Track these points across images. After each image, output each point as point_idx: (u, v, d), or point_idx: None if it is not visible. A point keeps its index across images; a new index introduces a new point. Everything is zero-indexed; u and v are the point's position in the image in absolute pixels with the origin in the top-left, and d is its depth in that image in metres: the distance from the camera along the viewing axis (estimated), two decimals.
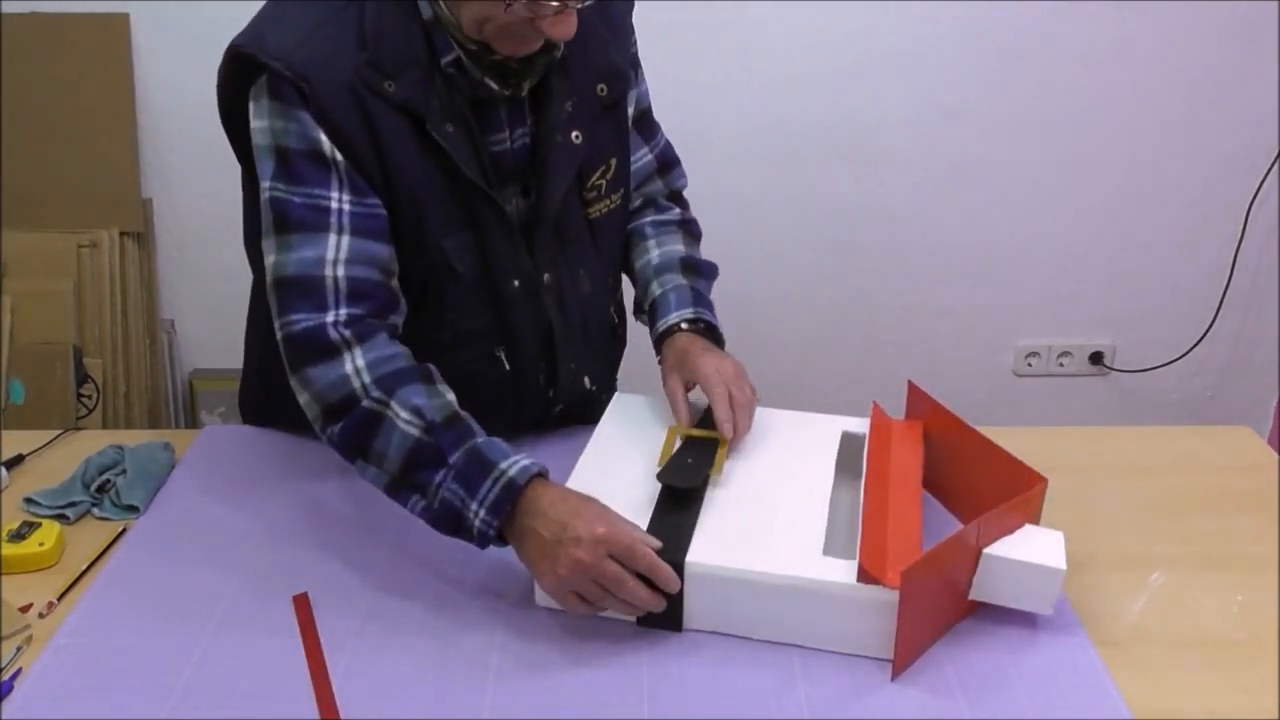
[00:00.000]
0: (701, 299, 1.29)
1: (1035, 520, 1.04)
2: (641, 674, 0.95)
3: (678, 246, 1.34)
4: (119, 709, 0.91)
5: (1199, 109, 2.31)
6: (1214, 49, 2.25)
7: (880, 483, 1.08)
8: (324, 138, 1.07)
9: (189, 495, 1.21)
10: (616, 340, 1.40)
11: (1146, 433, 1.41)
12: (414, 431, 1.02)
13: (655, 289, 1.30)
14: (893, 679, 0.94)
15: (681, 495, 1.06)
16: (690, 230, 1.37)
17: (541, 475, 1.02)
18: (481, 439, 1.03)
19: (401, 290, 1.14)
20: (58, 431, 1.33)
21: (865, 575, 0.93)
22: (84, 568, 1.09)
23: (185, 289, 2.44)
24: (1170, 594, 1.07)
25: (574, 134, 1.18)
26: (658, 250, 1.33)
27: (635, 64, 1.28)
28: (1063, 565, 0.97)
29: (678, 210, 1.38)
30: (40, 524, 1.12)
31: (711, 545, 1.00)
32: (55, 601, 1.04)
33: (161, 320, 2.43)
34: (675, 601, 0.98)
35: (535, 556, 0.98)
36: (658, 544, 0.97)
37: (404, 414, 1.03)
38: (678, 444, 1.15)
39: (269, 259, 1.09)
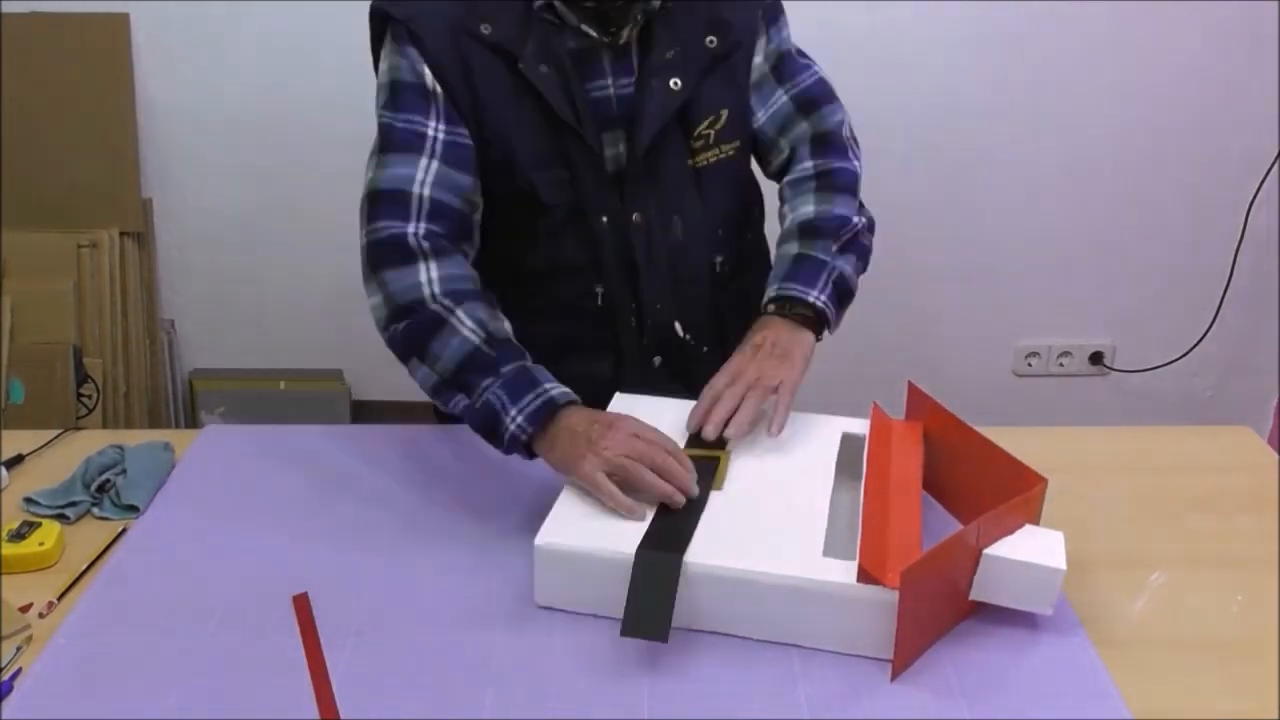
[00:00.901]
0: (799, 267, 1.25)
1: (1035, 520, 1.04)
2: (641, 674, 0.95)
3: (806, 208, 1.31)
4: (119, 709, 0.91)
5: (1199, 109, 2.31)
6: (1214, 49, 2.26)
7: (880, 483, 1.08)
8: (428, 71, 1.19)
9: (189, 495, 1.21)
10: (722, 293, 1.36)
11: (1146, 433, 1.41)
12: (474, 339, 1.12)
13: (774, 260, 1.32)
14: (892, 679, 0.94)
15: (683, 507, 1.05)
16: (828, 181, 1.32)
17: (579, 404, 1.11)
18: (531, 364, 1.13)
19: (496, 217, 1.26)
20: (58, 431, 1.33)
21: (865, 575, 0.93)
22: (84, 568, 1.09)
23: (185, 289, 2.44)
24: (1170, 594, 1.07)
25: (673, 80, 1.22)
26: (788, 219, 1.32)
27: (772, 16, 1.32)
28: (1063, 565, 0.97)
29: (811, 163, 1.33)
30: (40, 524, 1.12)
31: (711, 545, 0.99)
32: (55, 601, 1.04)
33: (161, 320, 2.43)
34: (662, 611, 0.95)
35: (568, 448, 1.07)
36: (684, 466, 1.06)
37: (469, 322, 1.13)
38: None
39: (368, 176, 1.22)
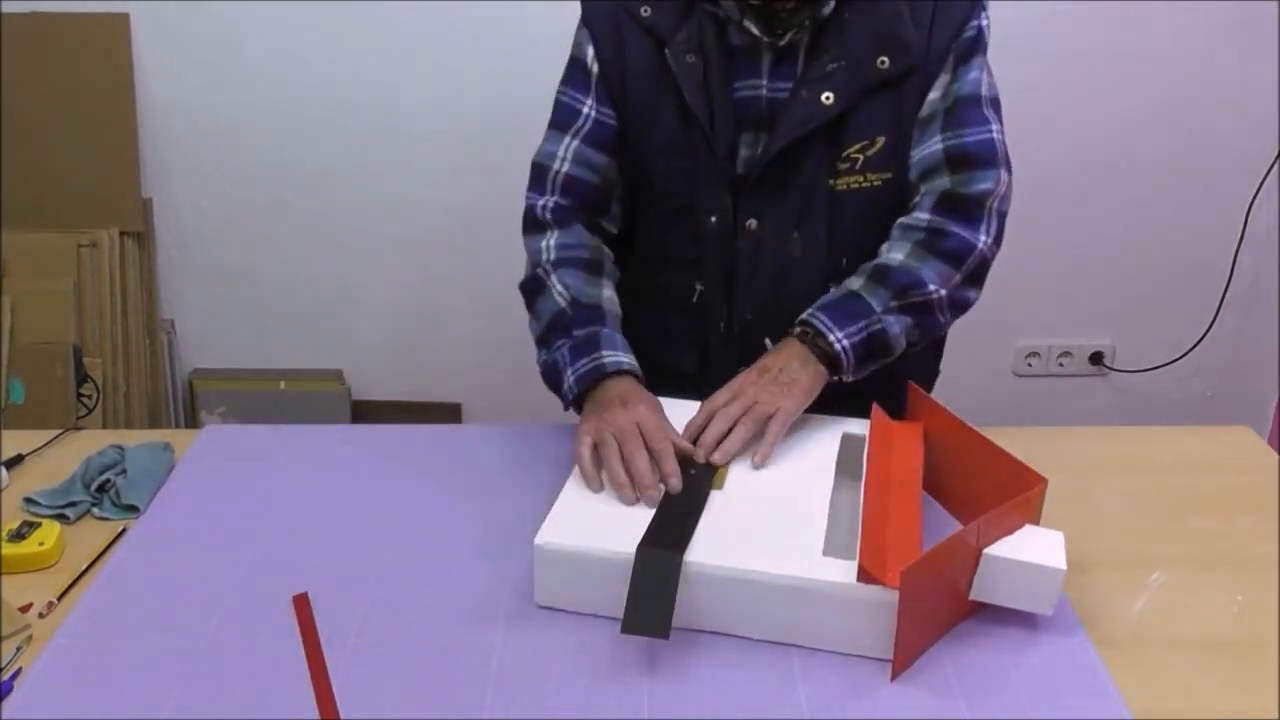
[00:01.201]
0: (843, 304, 1.20)
1: (1035, 520, 1.04)
2: (641, 674, 0.95)
3: (895, 254, 1.23)
4: (119, 709, 0.91)
5: (1199, 109, 2.31)
6: (1214, 49, 2.25)
7: (881, 483, 1.08)
8: (590, 49, 1.27)
9: (189, 495, 1.21)
10: None
11: (1146, 433, 1.41)
12: (561, 303, 1.23)
13: None
14: (892, 679, 0.94)
15: (683, 506, 1.06)
16: (934, 241, 1.22)
17: (631, 374, 1.18)
18: (607, 330, 1.21)
19: (621, 203, 1.33)
20: (57, 431, 1.33)
21: (865, 575, 0.93)
22: (84, 568, 1.09)
23: (185, 289, 2.44)
24: (1170, 594, 1.07)
25: (825, 95, 1.19)
26: (877, 257, 1.25)
27: (965, 54, 1.23)
28: (1063, 565, 0.97)
29: (929, 216, 1.23)
30: (40, 524, 1.12)
31: (711, 545, 0.99)
32: (55, 601, 1.04)
33: (161, 320, 2.43)
34: (663, 607, 0.95)
35: (588, 413, 1.15)
36: (690, 448, 1.11)
37: (558, 286, 1.24)
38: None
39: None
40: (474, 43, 2.21)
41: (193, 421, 2.49)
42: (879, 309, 1.20)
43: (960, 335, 2.53)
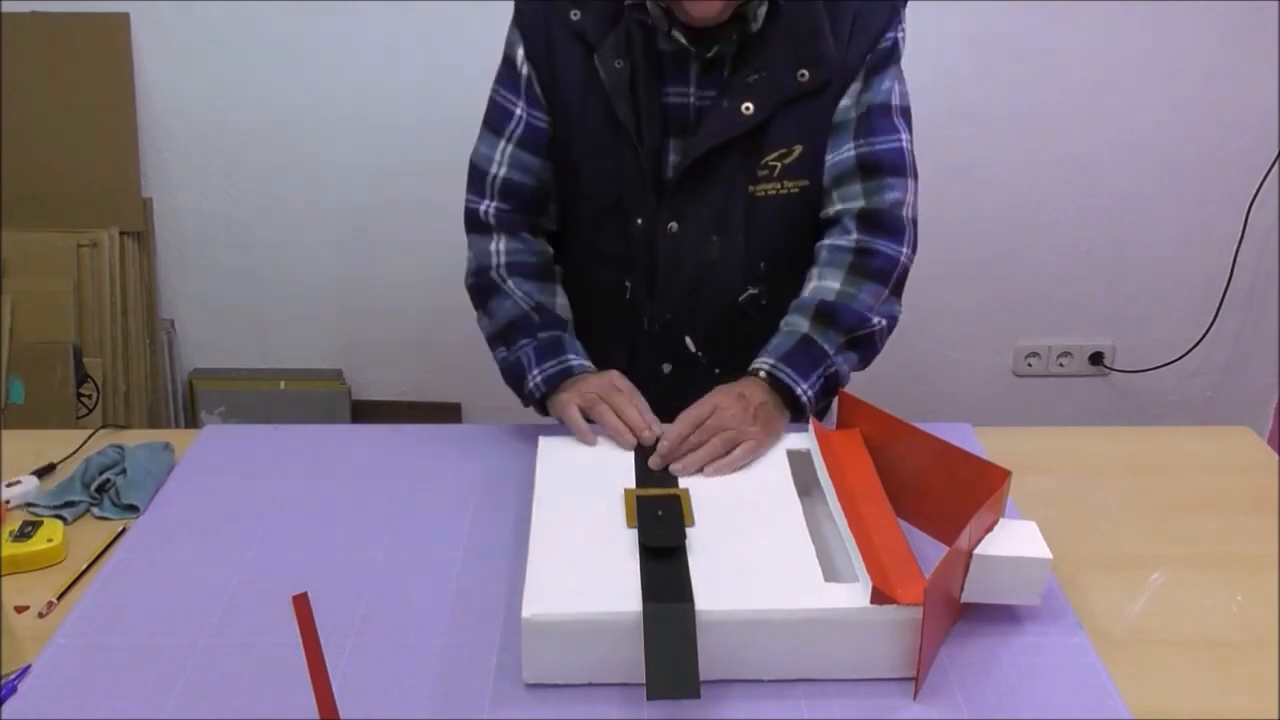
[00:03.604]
0: (800, 351, 1.22)
1: (1002, 513, 1.03)
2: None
3: (832, 284, 1.25)
4: (119, 709, 0.91)
5: (1199, 109, 2.31)
6: (1214, 49, 2.25)
7: (849, 500, 1.06)
8: (521, 50, 1.28)
9: (189, 495, 1.21)
10: (750, 324, 1.33)
11: (1146, 433, 1.41)
12: (525, 306, 1.29)
13: (780, 326, 1.27)
14: (915, 697, 0.92)
15: (663, 548, 1.00)
16: (863, 262, 1.25)
17: (596, 374, 1.24)
18: (568, 336, 1.28)
19: (557, 202, 1.35)
20: (91, 431, 1.34)
21: (880, 597, 0.91)
22: (84, 568, 1.09)
23: (185, 289, 2.44)
24: (1170, 594, 1.07)
25: (745, 105, 1.22)
26: (813, 284, 1.27)
27: (879, 65, 1.26)
28: (1048, 554, 0.97)
29: (855, 236, 1.26)
30: (43, 522, 1.13)
31: (712, 589, 0.94)
32: (55, 601, 1.04)
33: (161, 320, 2.43)
34: (688, 665, 0.89)
35: (565, 397, 1.21)
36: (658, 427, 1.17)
37: (518, 293, 1.30)
38: (637, 503, 1.07)
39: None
40: (474, 42, 2.21)
41: (193, 421, 2.49)
42: (831, 352, 1.23)
43: (960, 335, 2.54)
